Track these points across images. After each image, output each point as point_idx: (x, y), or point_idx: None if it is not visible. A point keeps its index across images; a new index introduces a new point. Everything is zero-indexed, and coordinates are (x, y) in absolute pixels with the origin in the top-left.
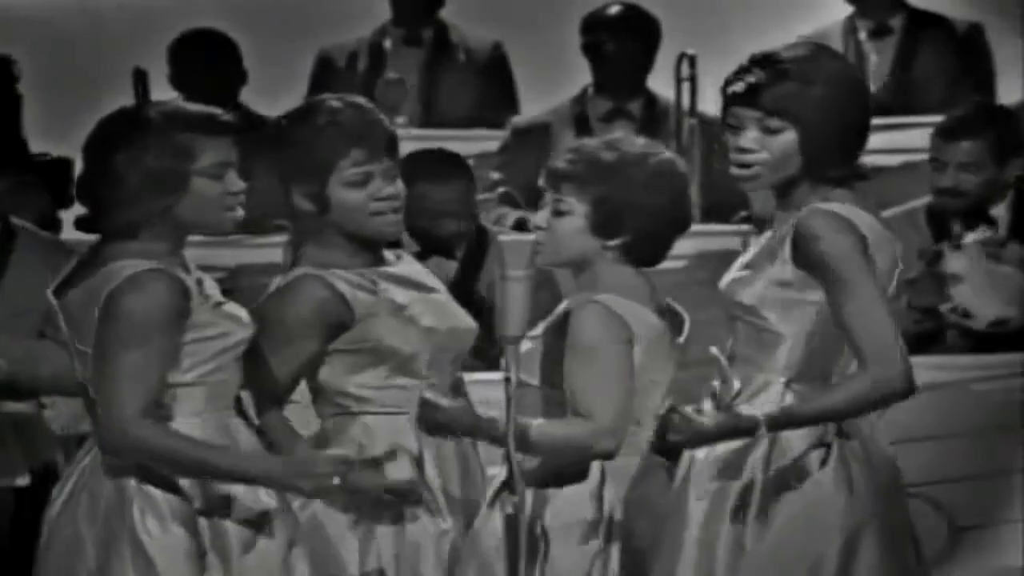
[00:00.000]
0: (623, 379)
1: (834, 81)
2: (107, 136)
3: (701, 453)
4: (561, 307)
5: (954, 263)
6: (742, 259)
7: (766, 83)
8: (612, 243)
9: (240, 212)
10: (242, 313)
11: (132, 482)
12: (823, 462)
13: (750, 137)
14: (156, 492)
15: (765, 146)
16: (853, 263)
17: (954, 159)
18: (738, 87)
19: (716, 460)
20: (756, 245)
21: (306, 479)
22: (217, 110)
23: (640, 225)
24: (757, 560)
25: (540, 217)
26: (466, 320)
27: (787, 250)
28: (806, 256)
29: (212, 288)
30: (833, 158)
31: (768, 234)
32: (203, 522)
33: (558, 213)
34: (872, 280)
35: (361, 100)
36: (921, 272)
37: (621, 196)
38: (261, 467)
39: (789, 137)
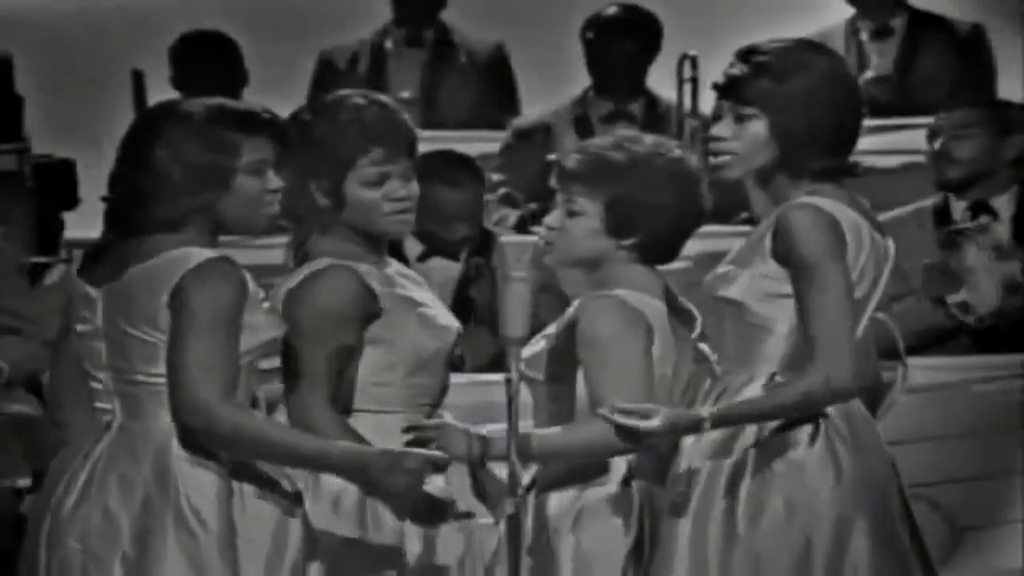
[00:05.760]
0: (640, 372)
1: (812, 73)
2: (150, 130)
3: (688, 444)
4: (573, 306)
5: (968, 254)
6: (728, 255)
7: (743, 74)
8: (626, 243)
9: (276, 209)
10: (276, 314)
11: (174, 460)
12: (812, 439)
13: (722, 126)
14: (199, 469)
15: (736, 135)
16: (824, 257)
17: (949, 123)
18: (720, 80)
19: (703, 447)
20: (742, 241)
21: (399, 474)
22: (258, 107)
23: (653, 224)
24: (749, 546)
25: (552, 218)
26: (453, 320)
27: (768, 244)
28: (781, 248)
29: (254, 285)
30: (808, 149)
31: (753, 229)
32: (238, 498)
33: (571, 214)
34: (841, 279)
35: (385, 99)
36: (933, 262)
37: (633, 197)
38: (350, 457)
39: (758, 125)
